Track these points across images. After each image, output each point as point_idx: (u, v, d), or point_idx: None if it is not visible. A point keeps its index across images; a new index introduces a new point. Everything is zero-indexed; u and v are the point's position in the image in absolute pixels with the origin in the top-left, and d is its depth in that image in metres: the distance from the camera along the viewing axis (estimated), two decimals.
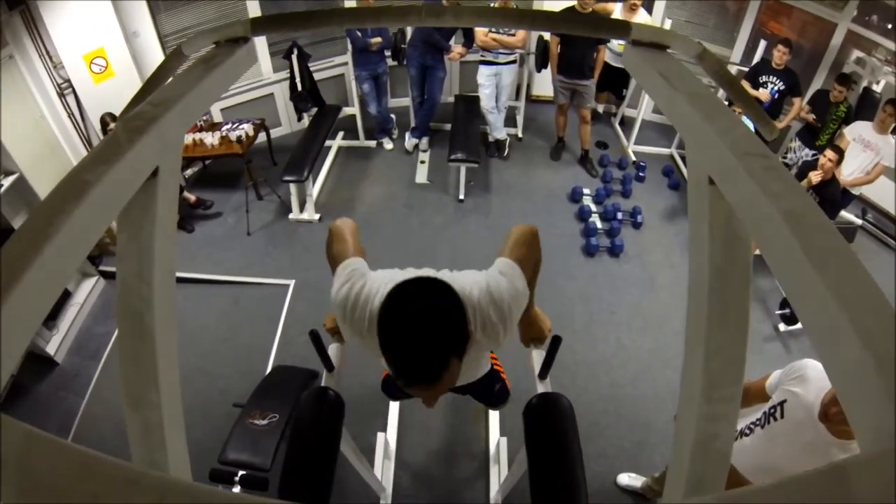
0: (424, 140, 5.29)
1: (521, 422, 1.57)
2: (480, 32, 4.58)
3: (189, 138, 4.41)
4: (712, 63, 0.84)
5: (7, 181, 3.30)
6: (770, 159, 0.51)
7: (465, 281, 1.15)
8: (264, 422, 2.47)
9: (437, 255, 4.13)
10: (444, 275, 1.22)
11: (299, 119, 5.39)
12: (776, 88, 4.37)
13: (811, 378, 1.63)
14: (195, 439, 2.87)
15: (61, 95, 3.93)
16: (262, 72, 5.07)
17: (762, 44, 4.72)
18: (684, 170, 4.76)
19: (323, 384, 1.67)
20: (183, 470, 0.71)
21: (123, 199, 0.57)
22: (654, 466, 2.77)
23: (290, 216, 4.46)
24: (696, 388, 0.54)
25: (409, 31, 4.85)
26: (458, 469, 2.87)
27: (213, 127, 4.64)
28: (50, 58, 3.79)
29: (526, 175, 5.03)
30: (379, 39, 4.63)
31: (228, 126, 4.59)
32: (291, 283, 3.86)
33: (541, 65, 4.95)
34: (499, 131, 5.13)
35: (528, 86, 5.62)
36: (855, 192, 4.17)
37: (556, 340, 1.64)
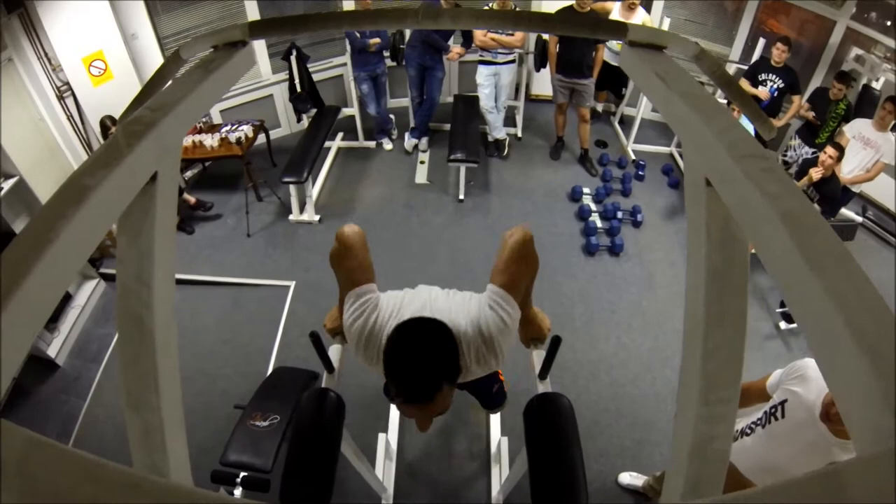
0: (424, 140, 5.29)
1: (522, 421, 1.57)
2: (479, 32, 4.58)
3: (189, 140, 4.41)
4: (710, 63, 0.84)
5: (7, 184, 3.30)
6: (767, 160, 0.51)
7: (461, 319, 1.29)
8: (265, 423, 2.47)
9: (437, 256, 4.13)
10: (443, 304, 1.35)
11: (298, 120, 5.39)
12: (775, 86, 4.37)
13: (812, 377, 1.63)
14: (197, 441, 2.88)
15: (60, 98, 3.94)
16: (262, 73, 5.08)
17: (761, 42, 4.71)
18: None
19: (323, 385, 1.67)
20: (183, 472, 0.71)
21: (123, 203, 0.57)
22: (655, 465, 2.77)
23: (290, 217, 4.46)
24: (693, 390, 0.54)
25: (407, 31, 4.85)
26: (459, 469, 2.87)
27: (212, 129, 4.63)
28: (49, 60, 3.80)
29: (525, 174, 5.03)
30: (377, 40, 4.63)
31: (228, 128, 4.59)
32: (292, 284, 3.86)
33: (540, 64, 4.95)
34: (498, 131, 5.13)
35: (528, 85, 5.62)
36: (855, 189, 4.17)
37: (556, 341, 1.64)
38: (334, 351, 1.80)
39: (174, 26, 4.46)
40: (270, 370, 3.22)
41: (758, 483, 1.69)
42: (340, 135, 5.40)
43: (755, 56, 4.72)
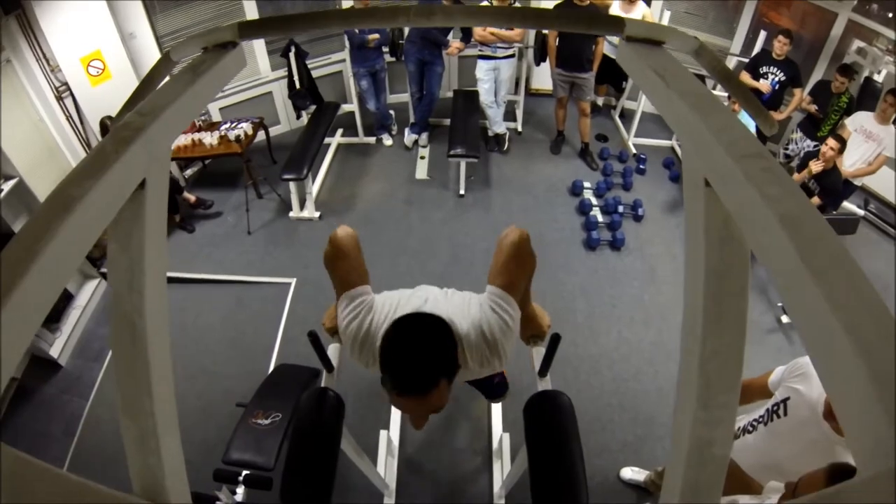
0: (424, 136, 5.27)
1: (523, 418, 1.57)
2: (478, 27, 4.55)
3: (188, 138, 4.41)
4: (710, 58, 0.83)
5: (7, 185, 3.30)
6: (767, 160, 0.50)
7: (462, 322, 1.27)
8: (267, 421, 2.47)
9: (437, 251, 4.12)
10: (442, 307, 1.32)
11: (298, 117, 5.38)
12: (777, 79, 4.35)
13: (814, 375, 1.62)
14: (199, 439, 2.89)
15: (59, 99, 3.93)
16: (260, 70, 5.06)
17: (762, 34, 4.67)
18: None
19: (323, 384, 1.67)
20: (178, 475, 0.71)
21: (112, 210, 0.56)
22: (656, 460, 2.77)
23: (291, 214, 4.46)
24: (691, 392, 0.53)
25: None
26: (461, 465, 2.88)
27: (211, 126, 4.63)
28: (47, 61, 3.79)
29: (526, 169, 5.01)
30: (377, 36, 4.61)
31: (227, 125, 4.58)
32: (293, 281, 3.86)
33: (539, 58, 4.92)
34: (498, 126, 5.11)
35: (527, 79, 5.59)
36: (857, 182, 4.15)
37: (556, 339, 1.64)
38: (333, 350, 1.80)
39: (172, 25, 4.44)
40: (272, 367, 3.23)
41: (760, 481, 1.68)
42: (340, 131, 5.39)
43: (756, 49, 4.69)
